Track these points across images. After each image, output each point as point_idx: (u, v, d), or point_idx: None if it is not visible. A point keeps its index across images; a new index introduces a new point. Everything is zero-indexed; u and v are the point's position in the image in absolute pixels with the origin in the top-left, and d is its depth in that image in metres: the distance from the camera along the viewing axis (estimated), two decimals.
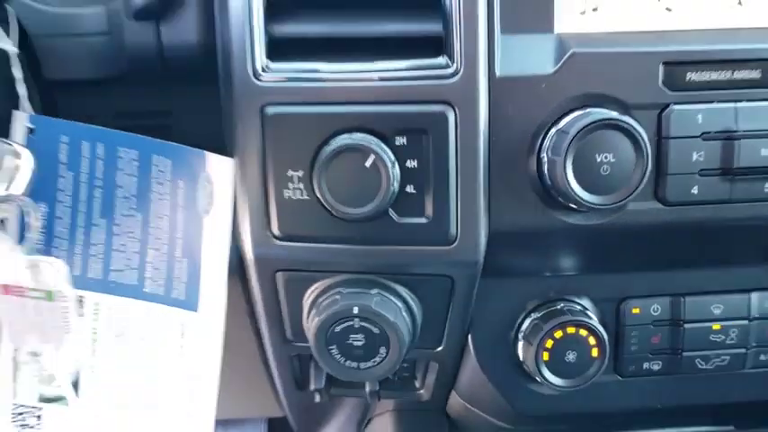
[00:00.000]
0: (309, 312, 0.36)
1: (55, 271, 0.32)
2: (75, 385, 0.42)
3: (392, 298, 0.36)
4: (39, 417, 0.42)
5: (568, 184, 0.32)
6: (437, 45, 0.33)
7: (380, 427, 0.52)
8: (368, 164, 0.32)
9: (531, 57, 0.34)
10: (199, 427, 0.42)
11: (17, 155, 0.30)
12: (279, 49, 0.33)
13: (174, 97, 0.42)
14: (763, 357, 0.41)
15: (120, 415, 0.42)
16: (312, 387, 0.44)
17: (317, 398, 0.44)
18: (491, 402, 0.43)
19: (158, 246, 0.38)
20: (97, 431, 0.43)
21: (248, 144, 0.34)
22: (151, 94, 0.41)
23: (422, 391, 0.46)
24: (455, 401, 0.47)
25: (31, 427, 0.42)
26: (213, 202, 0.37)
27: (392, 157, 0.32)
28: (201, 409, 0.42)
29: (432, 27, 0.33)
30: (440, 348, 0.40)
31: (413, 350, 0.38)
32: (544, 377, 0.39)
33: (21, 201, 0.30)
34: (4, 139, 0.30)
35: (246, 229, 0.36)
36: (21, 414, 0.42)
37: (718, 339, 0.41)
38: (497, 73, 0.33)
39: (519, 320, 0.40)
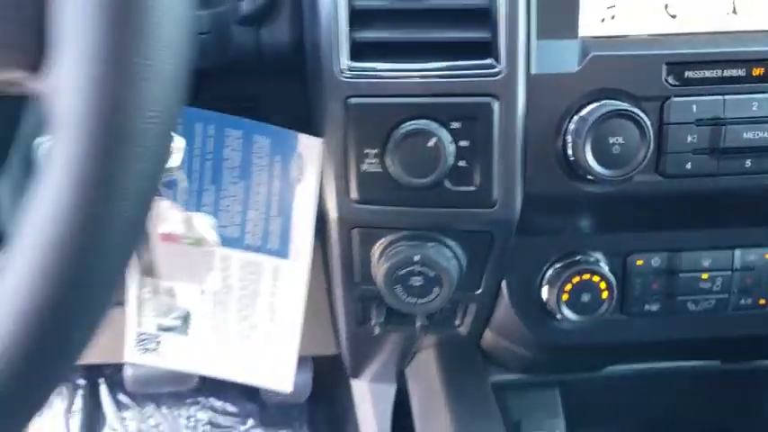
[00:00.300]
0: (378, 260, 0.46)
1: (203, 223, 0.41)
2: (187, 317, 0.53)
3: (444, 249, 0.45)
4: (158, 342, 0.53)
5: (587, 160, 0.41)
6: (485, 49, 0.42)
7: (425, 358, 0.62)
8: (430, 144, 0.41)
9: (559, 58, 0.43)
10: (286, 356, 0.52)
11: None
12: (358, 50, 0.42)
13: (264, 86, 0.51)
14: (742, 302, 0.50)
15: (221, 343, 0.53)
16: (373, 322, 0.54)
17: (376, 330, 0.54)
18: (519, 335, 0.53)
19: (257, 207, 0.48)
20: (202, 356, 0.53)
21: (334, 127, 0.43)
22: (245, 83, 0.50)
23: (461, 328, 0.56)
24: (488, 335, 0.57)
25: (152, 351, 0.53)
26: (303, 173, 0.46)
27: (449, 139, 0.41)
28: (288, 341, 0.52)
29: (481, 35, 0.41)
30: (478, 291, 0.50)
31: (457, 292, 0.47)
32: (563, 314, 0.48)
33: (177, 171, 0.40)
34: None
35: (331, 195, 0.45)
36: (143, 340, 0.53)
37: (706, 287, 0.50)
38: (532, 71, 0.42)
39: (543, 269, 0.50)
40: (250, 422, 1.17)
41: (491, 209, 0.43)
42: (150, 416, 1.19)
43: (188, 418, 1.18)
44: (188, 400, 1.19)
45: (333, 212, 0.46)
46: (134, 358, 0.53)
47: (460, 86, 0.41)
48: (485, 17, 0.42)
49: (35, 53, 0.20)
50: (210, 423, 1.17)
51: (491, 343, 0.58)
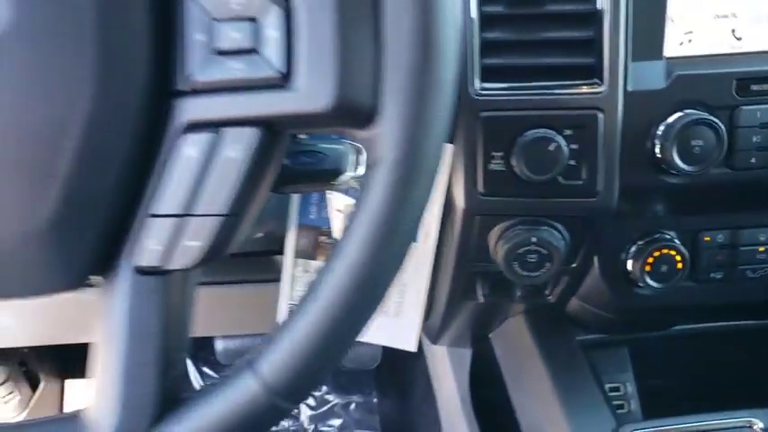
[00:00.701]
0: (497, 242, 0.57)
1: None
2: None
3: (554, 232, 0.56)
4: None
5: (673, 159, 0.52)
6: (591, 70, 0.52)
7: (514, 324, 0.73)
8: (551, 148, 0.51)
9: (648, 76, 0.53)
10: (413, 323, 0.63)
11: (359, 150, 0.50)
12: (487, 74, 0.53)
13: None
14: None
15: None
16: (479, 293, 0.65)
17: (480, 300, 0.65)
18: (604, 301, 0.64)
19: None
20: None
21: (467, 135, 0.53)
22: None
23: (550, 297, 0.67)
24: (573, 302, 0.68)
25: None
26: None
27: (564, 143, 0.52)
28: (414, 310, 0.63)
29: (588, 60, 0.52)
30: (574, 265, 0.61)
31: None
32: (646, 282, 0.59)
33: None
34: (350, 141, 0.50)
35: (460, 189, 0.56)
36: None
37: (762, 258, 0.60)
38: (628, 88, 0.52)
39: (628, 246, 0.60)
40: (324, 388, 1.29)
41: (594, 198, 0.54)
42: None
43: None
44: None
45: (460, 203, 0.57)
46: None
47: (572, 102, 0.52)
48: (591, 45, 0.52)
49: (371, 114, 0.31)
50: None
51: (575, 307, 0.69)
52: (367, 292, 0.32)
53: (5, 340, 0.91)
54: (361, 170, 0.51)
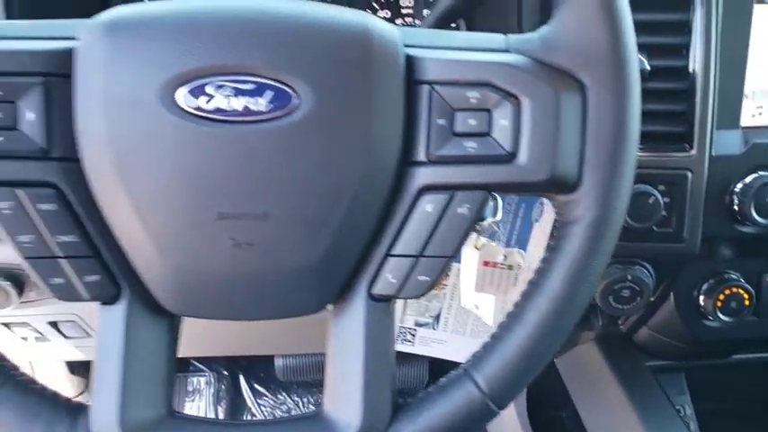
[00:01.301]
0: None
1: (517, 255, 0.61)
2: (438, 316, 0.72)
3: (645, 270, 0.65)
4: (413, 335, 0.73)
5: (751, 213, 0.62)
6: (682, 137, 0.62)
7: (585, 350, 0.82)
8: (650, 201, 0.61)
9: (729, 143, 0.63)
10: None
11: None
12: None
13: None
14: None
15: (459, 335, 0.72)
16: None
17: None
18: (675, 331, 0.73)
19: (500, 238, 0.67)
20: (445, 345, 0.73)
21: None
22: None
23: (622, 327, 0.76)
24: (642, 331, 0.77)
25: (408, 342, 0.73)
26: (542, 215, 0.66)
27: (659, 197, 0.61)
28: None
29: (680, 129, 0.62)
30: (652, 299, 0.70)
31: None
32: (717, 316, 0.68)
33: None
34: None
35: None
36: (401, 333, 0.73)
37: None
38: (713, 153, 0.62)
39: (701, 284, 0.70)
40: None
41: (681, 244, 0.63)
42: (283, 402, 1.38)
43: (317, 404, 1.37)
44: (315, 389, 1.39)
45: None
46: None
47: (667, 163, 0.62)
48: (683, 117, 0.62)
49: (573, 184, 0.40)
50: None
51: (644, 337, 0.78)
52: (564, 319, 0.41)
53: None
54: (499, 215, 0.60)
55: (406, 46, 0.40)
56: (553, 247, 0.42)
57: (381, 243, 0.41)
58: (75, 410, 0.40)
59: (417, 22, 0.78)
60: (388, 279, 0.41)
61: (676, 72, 0.61)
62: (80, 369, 1.17)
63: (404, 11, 0.78)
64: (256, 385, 1.39)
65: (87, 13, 0.73)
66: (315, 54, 0.37)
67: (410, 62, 0.40)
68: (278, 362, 1.25)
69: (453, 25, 0.72)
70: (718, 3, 0.61)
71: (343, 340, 0.42)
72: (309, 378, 1.30)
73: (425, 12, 0.78)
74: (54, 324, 0.82)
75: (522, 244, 0.68)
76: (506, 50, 0.40)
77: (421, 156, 0.40)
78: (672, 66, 0.61)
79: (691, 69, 0.61)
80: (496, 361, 0.41)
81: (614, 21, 0.38)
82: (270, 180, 0.38)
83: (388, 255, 0.41)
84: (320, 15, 0.38)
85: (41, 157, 0.38)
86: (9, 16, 0.61)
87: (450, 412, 0.41)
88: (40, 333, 0.84)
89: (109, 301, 0.40)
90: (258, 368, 1.39)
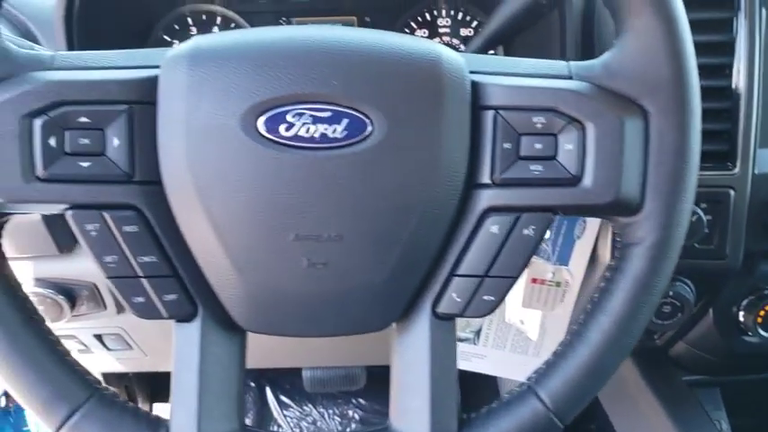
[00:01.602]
0: None
1: (565, 273, 0.62)
2: (479, 331, 0.73)
3: (686, 287, 0.66)
4: None
5: None
6: (725, 156, 0.63)
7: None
8: (693, 219, 0.62)
9: None
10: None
11: None
12: None
13: None
14: None
15: (499, 350, 0.73)
16: None
17: None
18: (712, 346, 0.74)
19: (542, 255, 0.69)
20: (485, 360, 0.74)
21: None
22: None
23: (658, 341, 0.77)
24: (678, 345, 0.78)
25: None
26: (584, 233, 0.67)
27: (702, 214, 0.62)
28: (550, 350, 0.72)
29: (724, 147, 0.63)
30: (691, 314, 0.71)
31: None
32: (756, 331, 0.69)
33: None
34: None
35: (607, 246, 0.66)
36: None
37: None
38: (755, 171, 0.63)
39: (740, 300, 0.71)
40: None
41: (723, 261, 0.64)
42: (308, 414, 1.39)
43: (341, 416, 1.38)
44: (339, 401, 1.40)
45: (605, 258, 0.67)
46: None
47: (711, 180, 0.63)
48: (726, 136, 0.63)
49: (636, 207, 0.41)
50: (361, 421, 1.37)
51: (679, 350, 0.79)
52: (627, 337, 0.42)
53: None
54: (548, 233, 0.62)
55: (472, 72, 0.41)
56: (615, 268, 0.43)
57: (446, 262, 0.42)
58: (156, 424, 0.41)
59: (455, 41, 0.80)
60: (454, 298, 0.42)
61: (720, 91, 0.62)
62: (110, 379, 1.19)
63: (441, 30, 0.80)
64: (282, 396, 1.40)
65: (138, 39, 0.76)
66: (389, 83, 0.39)
67: (476, 88, 0.41)
68: (306, 373, 1.26)
69: (491, 52, 0.73)
70: (761, 23, 0.62)
71: (409, 357, 0.44)
72: (336, 390, 1.30)
73: (462, 31, 0.80)
74: (99, 337, 0.84)
75: (564, 260, 0.69)
76: (570, 77, 0.42)
77: (486, 178, 0.41)
78: (715, 85, 0.62)
79: (734, 89, 0.62)
80: (561, 378, 0.42)
81: (677, 48, 0.40)
82: (344, 203, 0.39)
83: (453, 274, 0.42)
84: (392, 45, 0.40)
85: (125, 181, 0.39)
86: (70, 45, 0.63)
87: (516, 427, 0.42)
88: (85, 345, 0.85)
89: (185, 318, 0.42)
90: (284, 380, 1.40)
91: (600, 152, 0.40)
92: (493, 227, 0.41)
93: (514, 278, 0.42)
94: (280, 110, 0.38)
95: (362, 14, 0.78)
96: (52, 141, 0.38)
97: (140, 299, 0.40)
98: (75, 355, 0.43)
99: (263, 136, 0.38)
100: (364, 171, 0.39)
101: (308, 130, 0.38)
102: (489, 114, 0.41)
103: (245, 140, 0.38)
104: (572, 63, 0.43)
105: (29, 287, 0.68)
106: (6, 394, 1.23)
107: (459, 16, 0.79)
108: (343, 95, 0.38)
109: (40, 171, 0.38)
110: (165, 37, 0.77)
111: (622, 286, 0.42)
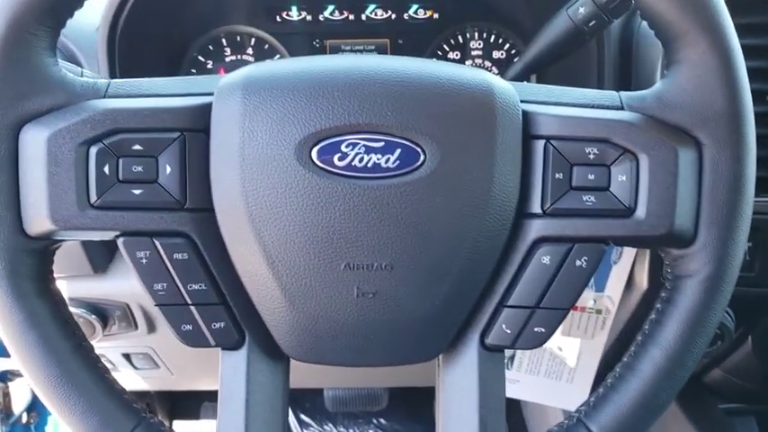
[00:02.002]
0: None
1: (607, 300, 0.62)
2: (513, 356, 0.73)
3: (726, 315, 0.65)
4: None
5: None
6: (765, 182, 0.62)
7: None
8: None
9: None
10: (583, 390, 0.72)
11: None
12: None
13: None
14: None
15: (534, 375, 0.73)
16: None
17: None
18: (751, 374, 0.73)
19: None
20: (517, 385, 0.73)
21: None
22: None
23: None
24: (714, 373, 0.77)
25: None
26: (620, 257, 0.67)
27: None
28: (586, 382, 0.71)
29: (764, 174, 0.62)
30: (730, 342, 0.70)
31: None
32: None
33: None
34: None
35: (644, 272, 0.65)
36: None
37: None
38: None
39: None
40: None
41: (764, 288, 0.63)
42: None
43: None
44: (360, 420, 1.39)
45: (642, 285, 0.66)
46: None
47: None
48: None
49: (689, 239, 0.41)
50: None
51: (714, 378, 0.77)
52: (680, 370, 0.41)
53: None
54: None
55: (523, 102, 0.41)
56: (666, 300, 0.42)
57: (496, 293, 0.42)
58: None
59: (487, 63, 0.80)
60: (503, 329, 0.42)
61: (763, 117, 0.62)
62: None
63: (473, 52, 0.80)
64: (302, 416, 1.39)
65: (174, 60, 0.76)
66: (441, 113, 0.39)
67: (527, 117, 0.41)
68: (327, 393, 1.26)
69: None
70: None
71: (457, 389, 0.43)
72: (357, 410, 1.30)
73: (495, 53, 0.80)
74: (127, 356, 0.84)
75: (600, 286, 0.68)
76: (621, 107, 0.41)
77: (537, 208, 0.41)
78: (760, 111, 0.62)
79: None
80: (612, 411, 0.42)
81: (733, 80, 0.39)
82: (396, 233, 0.39)
83: (503, 305, 0.42)
84: (444, 75, 0.40)
85: (177, 209, 0.39)
86: (112, 68, 0.63)
87: None
88: (113, 363, 0.86)
89: (232, 347, 0.41)
90: (305, 398, 1.39)
91: (653, 184, 0.40)
92: (544, 257, 0.41)
93: (566, 310, 0.42)
94: (334, 140, 0.38)
95: (395, 37, 0.78)
96: (107, 169, 0.38)
97: (188, 327, 0.40)
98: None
99: (317, 165, 0.38)
100: (416, 201, 0.39)
101: (361, 160, 0.38)
102: (540, 144, 0.41)
103: (298, 170, 0.38)
104: (623, 93, 0.42)
105: None
106: (28, 409, 1.23)
107: (492, 39, 0.79)
108: (396, 125, 0.38)
109: (94, 198, 0.38)
110: (200, 58, 0.78)
111: (675, 319, 0.41)
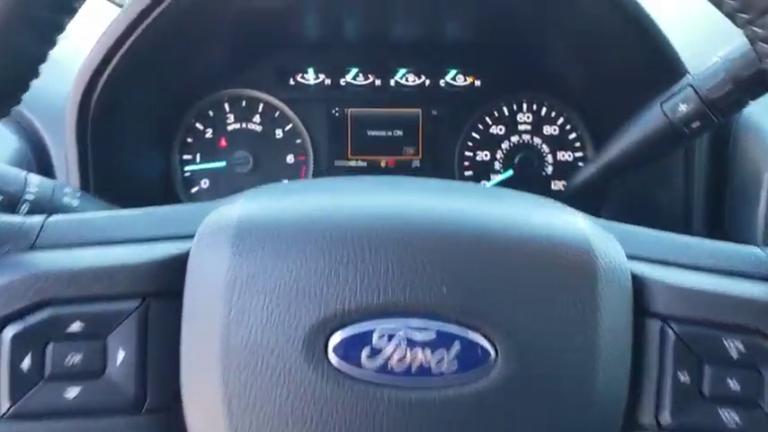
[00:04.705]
0: None
1: None
2: None
3: None
4: None
5: None
6: None
7: None
8: None
9: None
10: None
11: None
12: None
13: None
14: None
15: None
16: None
17: None
18: None
19: None
20: None
21: None
22: None
23: None
24: None
25: None
26: None
27: None
28: None
29: None
30: None
31: None
32: None
33: None
34: None
35: None
36: None
37: None
38: None
39: None
40: None
41: None
42: None
43: None
44: None
45: None
46: None
47: None
48: None
49: None
50: None
51: None
52: None
53: None
54: None
55: (630, 258, 0.29)
56: None
57: None
58: None
59: (536, 139, 0.68)
60: None
61: None
62: None
63: (521, 127, 0.67)
64: None
65: (165, 128, 0.64)
66: (520, 291, 0.27)
67: (637, 284, 0.29)
68: None
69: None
70: None
71: None
72: None
73: (546, 128, 0.67)
74: None
75: None
76: None
77: (649, 418, 0.28)
78: None
79: None
80: None
81: None
82: None
83: None
84: (524, 230, 0.28)
85: (132, 411, 0.27)
86: (82, 146, 0.51)
87: None
88: None
89: None
90: None
91: None
92: None
93: None
94: (360, 328, 0.26)
95: (429, 107, 0.66)
96: (27, 362, 0.26)
97: None
98: None
99: (335, 367, 0.26)
100: (482, 420, 0.26)
101: (401, 359, 0.26)
102: (656, 326, 0.29)
103: (307, 373, 0.26)
104: None
105: None
106: None
107: (543, 111, 0.67)
108: (454, 308, 0.26)
109: (5, 406, 0.26)
110: (198, 125, 0.66)
111: None
